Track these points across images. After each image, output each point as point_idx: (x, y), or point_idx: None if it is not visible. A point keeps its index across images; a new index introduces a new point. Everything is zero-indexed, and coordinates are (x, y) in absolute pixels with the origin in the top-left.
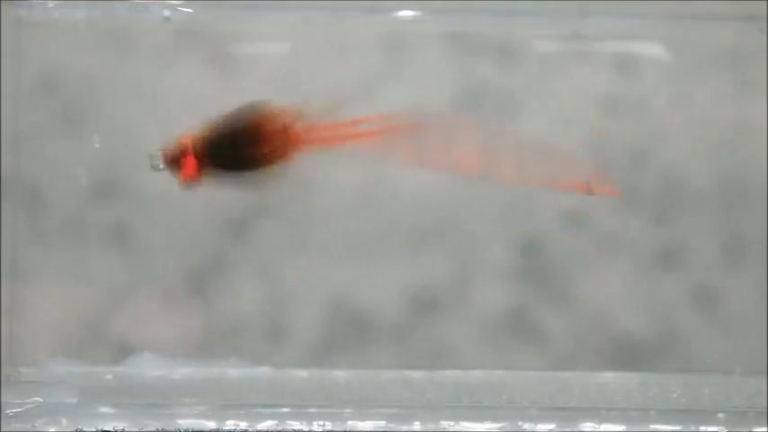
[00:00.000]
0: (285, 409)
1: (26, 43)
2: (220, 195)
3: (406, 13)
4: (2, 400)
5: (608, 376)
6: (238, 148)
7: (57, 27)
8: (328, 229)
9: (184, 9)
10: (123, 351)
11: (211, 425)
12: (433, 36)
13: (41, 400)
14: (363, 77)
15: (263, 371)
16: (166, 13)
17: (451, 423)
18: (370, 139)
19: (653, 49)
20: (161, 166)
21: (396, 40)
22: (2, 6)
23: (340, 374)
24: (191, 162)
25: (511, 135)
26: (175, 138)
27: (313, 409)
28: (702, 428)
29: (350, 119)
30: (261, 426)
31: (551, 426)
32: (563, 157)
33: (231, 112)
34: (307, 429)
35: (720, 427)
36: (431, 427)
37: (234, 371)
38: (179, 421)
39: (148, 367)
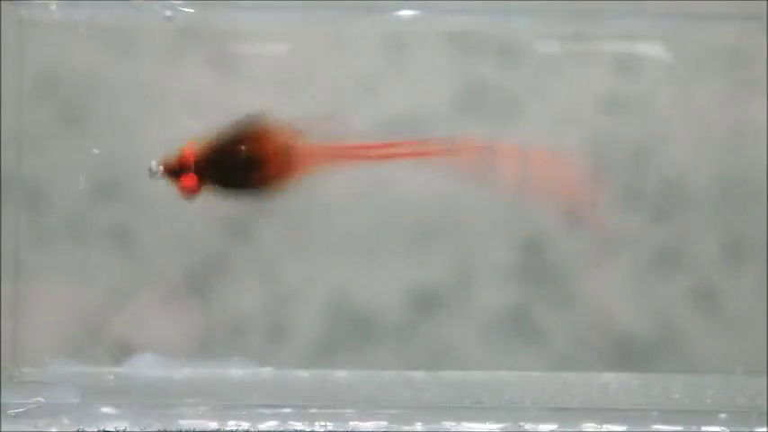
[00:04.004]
0: (287, 410)
1: (28, 43)
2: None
3: (406, 13)
4: (4, 401)
5: (609, 377)
6: (241, 167)
7: (58, 27)
8: (329, 228)
9: (186, 9)
10: (125, 351)
11: (213, 425)
12: (434, 36)
13: (43, 400)
14: (363, 77)
15: (265, 371)
16: (168, 12)
17: (453, 423)
18: (372, 158)
19: (653, 49)
20: (159, 176)
21: (396, 39)
22: (3, 6)
23: (341, 375)
24: (191, 177)
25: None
26: (177, 148)
27: (315, 410)
28: (704, 429)
29: (350, 140)
30: (263, 426)
31: (553, 426)
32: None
33: (234, 125)
34: (308, 430)
35: (722, 428)
36: (432, 427)
37: (236, 371)
38: (181, 422)
39: (150, 368)
